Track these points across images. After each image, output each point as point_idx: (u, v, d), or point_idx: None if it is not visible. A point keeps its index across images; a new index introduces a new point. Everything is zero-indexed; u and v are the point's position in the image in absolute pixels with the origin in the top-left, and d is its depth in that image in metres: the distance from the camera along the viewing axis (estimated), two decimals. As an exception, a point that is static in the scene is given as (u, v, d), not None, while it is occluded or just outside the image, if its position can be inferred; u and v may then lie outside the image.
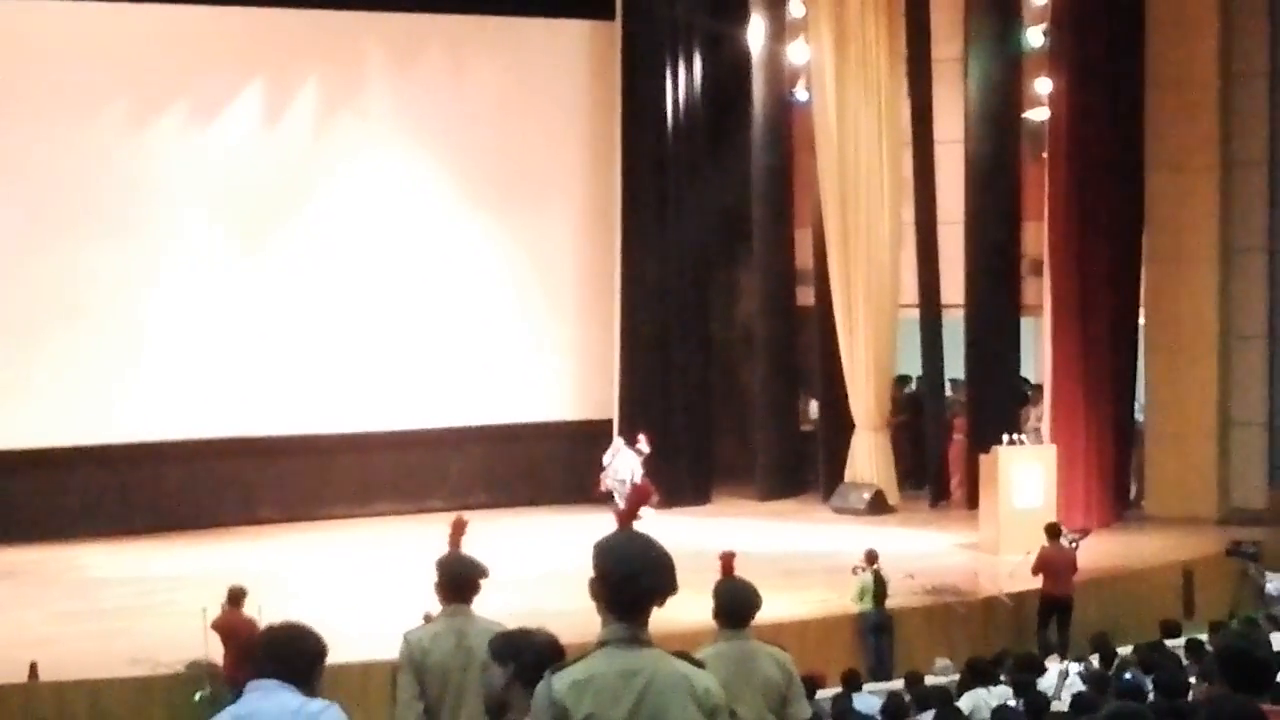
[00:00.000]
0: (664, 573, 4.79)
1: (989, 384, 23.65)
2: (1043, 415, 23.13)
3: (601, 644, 4.78)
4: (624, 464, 22.84)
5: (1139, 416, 23.83)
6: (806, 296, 25.51)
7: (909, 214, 24.18)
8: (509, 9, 24.71)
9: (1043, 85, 22.92)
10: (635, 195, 25.02)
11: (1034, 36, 23.03)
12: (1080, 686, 12.81)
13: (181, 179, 22.97)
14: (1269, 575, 19.32)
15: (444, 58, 24.65)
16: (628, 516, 21.96)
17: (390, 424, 24.14)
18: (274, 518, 23.58)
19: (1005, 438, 21.39)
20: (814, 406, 26.11)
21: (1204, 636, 14.75)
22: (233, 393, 23.27)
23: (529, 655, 5.58)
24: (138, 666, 16.05)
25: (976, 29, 23.53)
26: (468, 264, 24.65)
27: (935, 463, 24.70)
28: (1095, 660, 14.63)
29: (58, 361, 22.36)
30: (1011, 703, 12.06)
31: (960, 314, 23.90)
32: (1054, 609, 18.37)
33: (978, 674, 13.72)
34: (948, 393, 25.00)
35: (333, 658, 5.60)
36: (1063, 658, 15.83)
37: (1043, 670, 14.07)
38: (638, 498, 22.65)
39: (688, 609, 6.69)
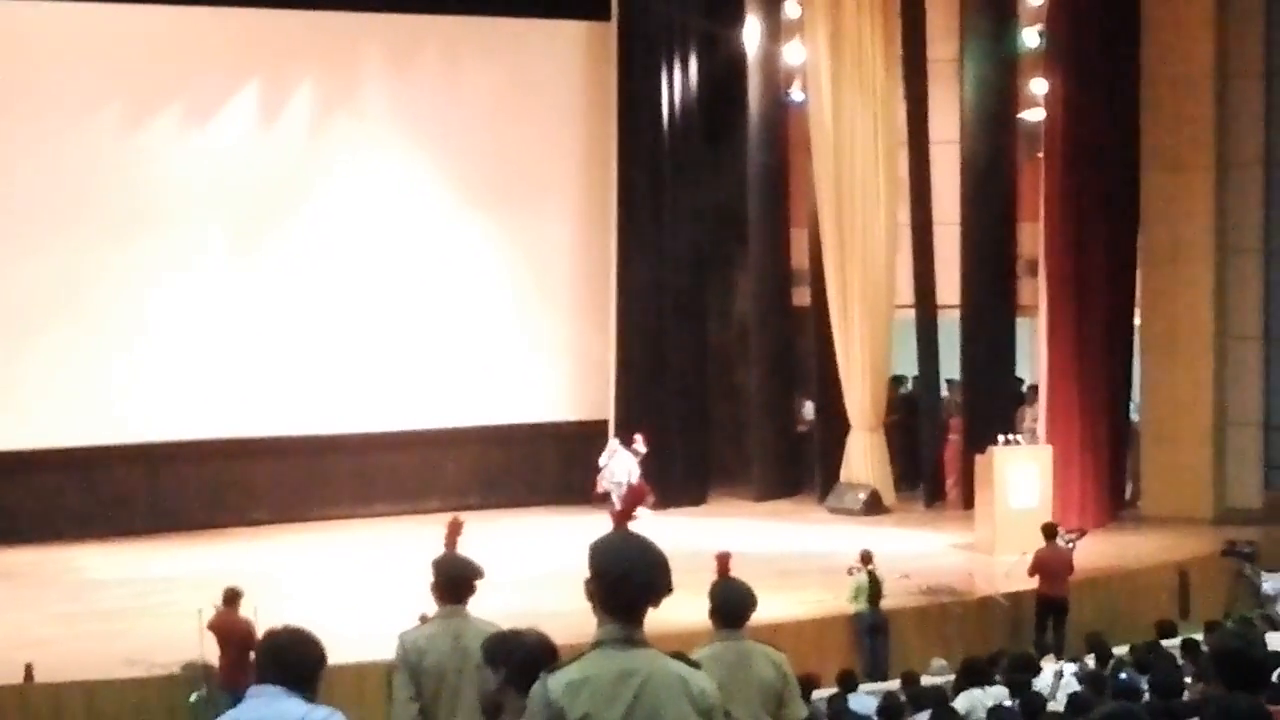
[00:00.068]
0: (659, 573, 4.79)
1: (984, 384, 23.65)
2: (1038, 415, 23.14)
3: (597, 644, 4.78)
4: (620, 465, 22.86)
5: (1134, 417, 23.84)
6: (802, 297, 25.52)
7: (904, 214, 24.19)
8: (505, 10, 24.70)
9: (1038, 86, 22.94)
10: (631, 195, 25.02)
11: (1029, 37, 23.04)
12: (1075, 687, 12.81)
13: (178, 180, 22.96)
14: (1265, 575, 19.33)
15: (440, 59, 24.65)
16: (623, 517, 21.98)
17: (386, 425, 24.13)
18: (270, 519, 23.57)
19: (1001, 438, 21.40)
20: (808, 408, 26.13)
21: (1199, 636, 14.77)
22: (229, 394, 23.27)
23: (519, 657, 5.58)
24: (134, 668, 16.05)
25: (972, 29, 23.54)
26: (464, 264, 24.65)
27: (931, 463, 24.71)
28: (1090, 660, 14.64)
29: (53, 363, 22.35)
30: (1007, 703, 12.07)
31: (956, 314, 23.90)
32: (1049, 609, 18.37)
33: (973, 674, 13.72)
34: (943, 393, 25.01)
35: (328, 659, 5.58)
36: (1058, 658, 15.84)
37: (1038, 670, 14.08)
38: (633, 498, 22.67)
39: (683, 609, 6.69)
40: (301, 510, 23.74)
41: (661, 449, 23.90)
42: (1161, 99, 22.92)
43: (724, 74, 25.44)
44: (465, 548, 9.45)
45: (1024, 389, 24.49)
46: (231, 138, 23.37)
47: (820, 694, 14.14)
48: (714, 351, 26.33)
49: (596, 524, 18.63)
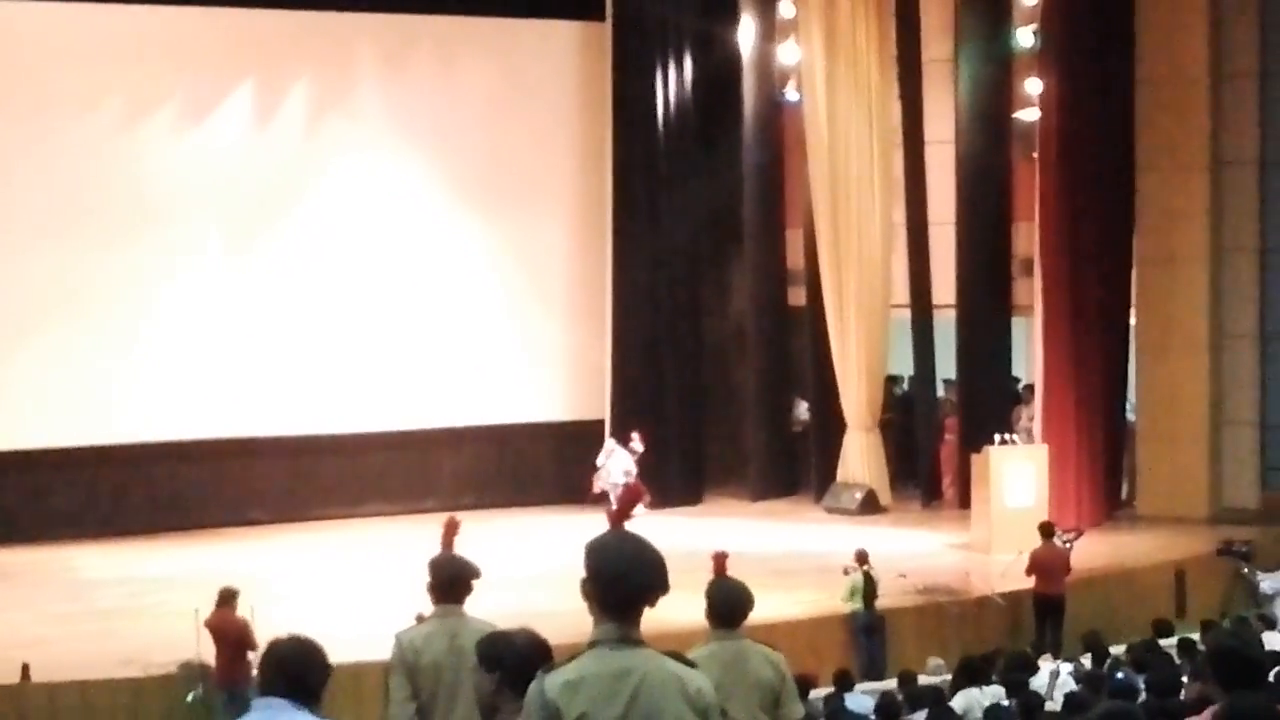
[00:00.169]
0: (656, 573, 4.79)
1: (980, 384, 23.66)
2: (1034, 415, 23.15)
3: (593, 644, 4.78)
4: (617, 465, 22.87)
5: (1130, 416, 23.86)
6: (798, 297, 25.53)
7: (900, 214, 24.18)
8: (499, 10, 24.70)
9: (1033, 85, 22.93)
10: (626, 195, 25.03)
11: (1024, 37, 23.04)
12: (1072, 686, 12.82)
13: (172, 181, 22.95)
14: (1261, 575, 19.34)
15: (435, 58, 24.65)
16: (620, 517, 21.98)
17: (382, 425, 24.13)
18: (267, 518, 23.56)
19: (997, 437, 21.42)
20: (802, 408, 26.13)
21: (1196, 636, 14.78)
22: (226, 394, 23.27)
23: (512, 659, 5.58)
24: (130, 667, 16.05)
25: (967, 29, 23.54)
26: (459, 264, 24.65)
27: (927, 463, 24.72)
28: (1087, 660, 14.65)
29: (49, 363, 22.34)
30: (1004, 702, 12.08)
31: (951, 314, 23.90)
32: (1046, 609, 18.38)
33: (970, 674, 13.73)
34: (939, 393, 25.02)
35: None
36: (1055, 657, 15.84)
37: (1035, 670, 14.09)
38: (629, 498, 22.66)
39: (680, 609, 6.70)
40: (298, 510, 23.74)
41: (657, 449, 23.89)
42: (1157, 99, 22.93)
43: (719, 74, 25.43)
44: (462, 547, 9.49)
45: (1020, 388, 24.49)
46: (226, 138, 23.36)
47: (817, 693, 14.15)
48: (710, 351, 26.32)
49: (593, 524, 18.66)
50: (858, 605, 17.83)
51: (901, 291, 24.29)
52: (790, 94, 25.16)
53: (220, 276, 23.33)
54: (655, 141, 25.03)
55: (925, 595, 18.92)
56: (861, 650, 17.67)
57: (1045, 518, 19.73)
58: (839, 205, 24.08)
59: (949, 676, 14.57)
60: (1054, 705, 12.13)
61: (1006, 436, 21.70)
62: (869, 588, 17.86)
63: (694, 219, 25.38)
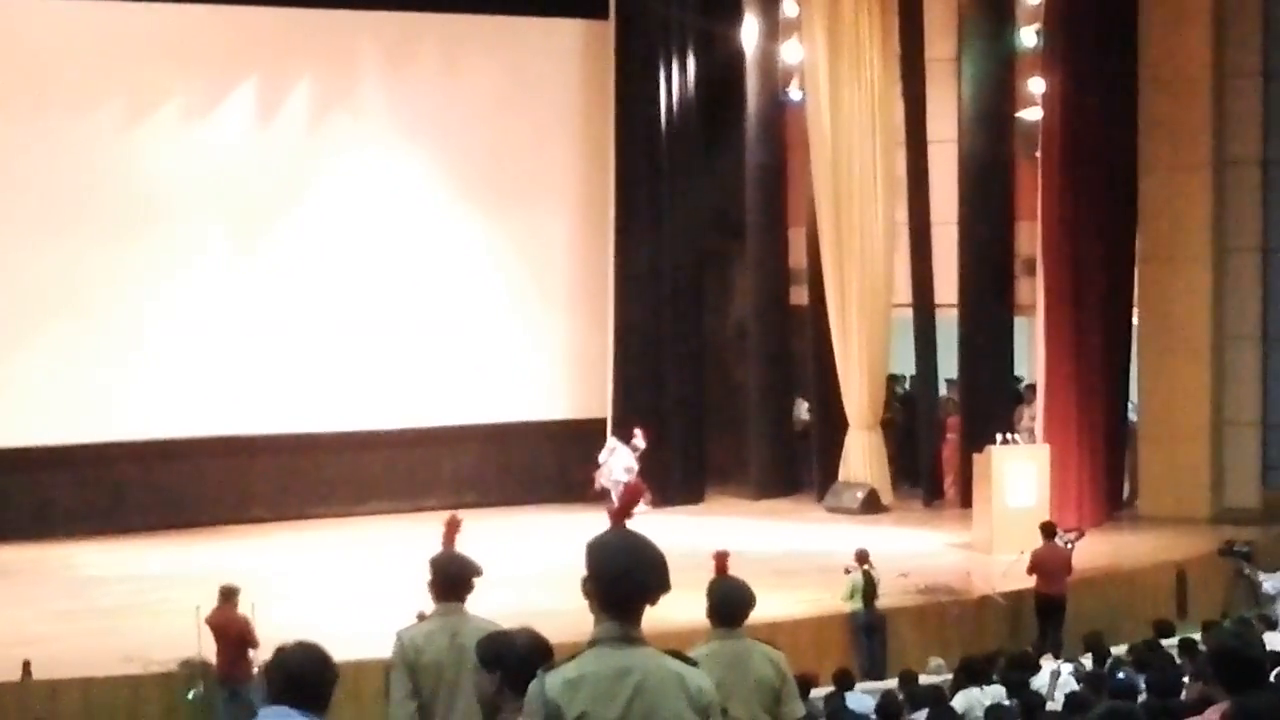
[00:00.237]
0: (657, 571, 4.79)
1: (982, 383, 23.66)
2: (1036, 415, 23.14)
3: (594, 643, 4.78)
4: (619, 462, 22.89)
5: (1132, 416, 23.85)
6: (800, 296, 25.53)
7: (902, 213, 24.19)
8: (503, 8, 24.70)
9: (1036, 85, 22.93)
10: (629, 194, 25.03)
11: (1028, 36, 23.05)
12: (1073, 686, 12.81)
13: (175, 178, 22.96)
14: (1262, 575, 19.33)
15: (438, 56, 24.65)
16: (621, 515, 21.97)
17: (384, 423, 24.14)
18: (269, 516, 23.57)
19: (999, 437, 21.41)
20: (802, 407, 26.13)
21: (1197, 636, 14.77)
22: (227, 391, 23.27)
23: (513, 659, 5.57)
24: (131, 665, 16.03)
25: (970, 29, 23.55)
26: (462, 262, 24.65)
27: (929, 462, 24.72)
28: (1088, 660, 14.64)
29: (50, 360, 22.35)
30: (1005, 702, 12.07)
31: (954, 313, 23.91)
32: (1047, 608, 18.37)
33: (971, 674, 13.72)
34: (941, 392, 25.01)
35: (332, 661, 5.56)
36: (1056, 657, 15.84)
37: (1036, 669, 14.08)
38: (631, 496, 22.67)
39: (681, 608, 6.69)
40: (300, 508, 23.75)
41: (659, 447, 23.91)
42: (1159, 98, 22.93)
43: (722, 73, 25.43)
44: (463, 545, 9.48)
45: (1022, 388, 24.49)
46: (229, 135, 23.37)
47: (818, 693, 14.14)
48: (712, 350, 26.33)
49: (594, 522, 18.65)
50: (858, 605, 17.82)
51: (904, 290, 24.29)
52: (793, 93, 25.17)
53: (222, 274, 23.34)
54: (658, 140, 25.03)
55: (926, 595, 18.91)
56: (862, 650, 17.66)
57: (1047, 517, 19.72)
58: (841, 204, 24.08)
59: (950, 676, 14.57)
60: (1055, 705, 12.12)
61: (1008, 436, 21.70)
62: (869, 587, 17.84)
63: (696, 218, 25.37)
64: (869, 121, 24.00)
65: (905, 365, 25.55)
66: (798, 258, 25.55)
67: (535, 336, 25.09)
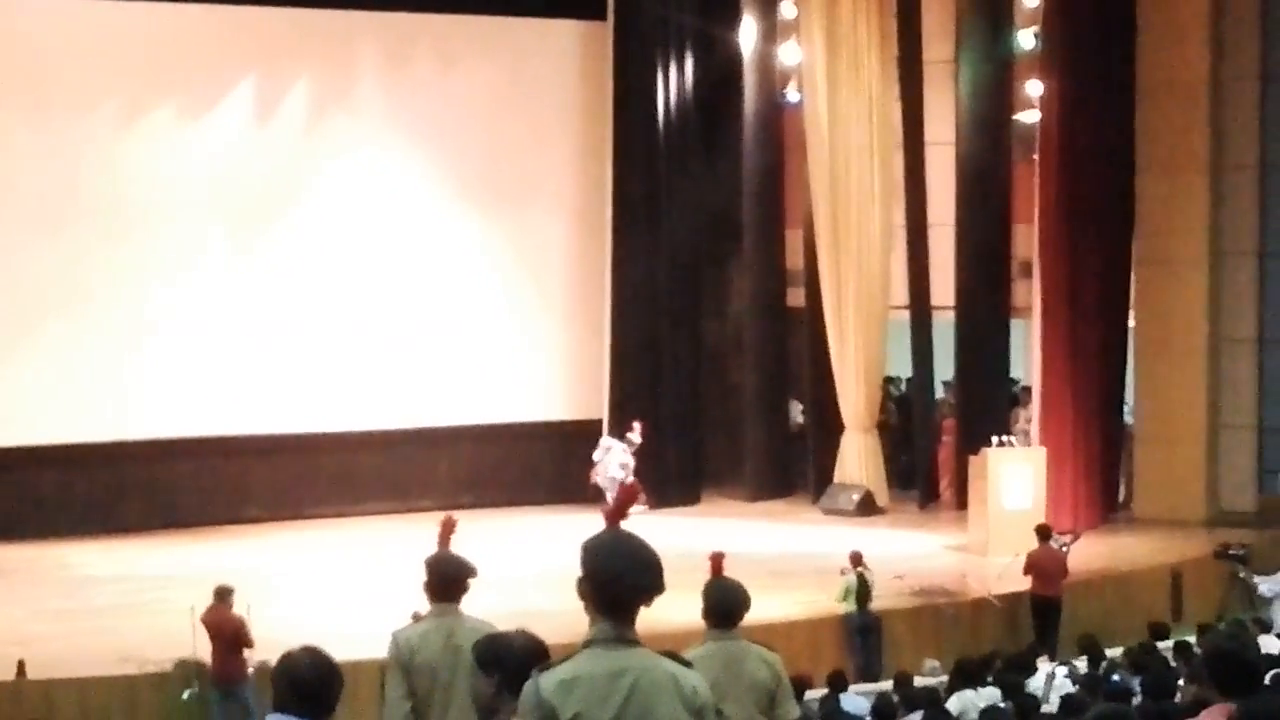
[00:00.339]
0: (652, 572, 4.79)
1: (978, 386, 23.66)
2: (1032, 417, 23.15)
3: (588, 643, 4.78)
4: (614, 461, 22.88)
5: (1128, 419, 23.86)
6: (797, 297, 25.52)
7: (899, 215, 24.18)
8: (500, 8, 24.68)
9: (1034, 88, 22.93)
10: (626, 195, 25.01)
11: (1025, 39, 23.04)
12: (1068, 688, 12.82)
13: (172, 178, 22.93)
14: (1258, 578, 19.35)
15: (435, 57, 24.63)
16: (616, 516, 21.97)
17: (379, 423, 24.12)
18: (263, 516, 23.54)
19: (994, 439, 21.42)
20: (796, 409, 26.13)
21: (1192, 638, 14.78)
22: (223, 391, 23.25)
23: (510, 661, 5.57)
24: (126, 665, 16.02)
25: (968, 31, 23.55)
26: (458, 263, 24.64)
27: (925, 464, 24.72)
28: (1083, 662, 14.65)
29: (46, 360, 22.31)
30: (1000, 704, 12.07)
31: (950, 315, 23.91)
32: (1043, 610, 18.38)
33: (966, 675, 13.73)
34: (938, 394, 25.01)
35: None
36: (1051, 659, 15.84)
37: (1033, 671, 14.09)
38: (626, 497, 22.68)
39: (676, 609, 6.70)
40: (295, 508, 23.72)
41: (655, 448, 23.90)
42: (1157, 102, 22.94)
43: (719, 74, 25.43)
44: (458, 546, 9.47)
45: (1018, 390, 24.50)
46: (226, 136, 23.34)
47: (813, 694, 14.15)
48: (708, 351, 26.33)
49: (589, 523, 18.62)
50: (852, 607, 17.83)
51: (900, 293, 24.29)
52: (791, 95, 25.15)
53: (218, 274, 23.31)
54: (656, 141, 25.01)
55: (922, 597, 18.92)
56: (856, 651, 17.66)
57: (1042, 520, 19.74)
58: (839, 206, 24.08)
59: (945, 678, 14.57)
60: (1050, 708, 12.13)
61: (1004, 438, 21.70)
62: (863, 589, 17.84)
63: (694, 219, 25.36)
64: (866, 123, 24.00)
65: (901, 367, 25.55)
66: (794, 259, 25.55)
67: (532, 337, 25.07)
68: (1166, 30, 22.81)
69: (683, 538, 18.92)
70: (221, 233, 23.37)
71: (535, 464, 25.17)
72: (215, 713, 15.34)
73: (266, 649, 14.27)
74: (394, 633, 7.82)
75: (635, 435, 23.04)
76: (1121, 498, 23.79)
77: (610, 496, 22.76)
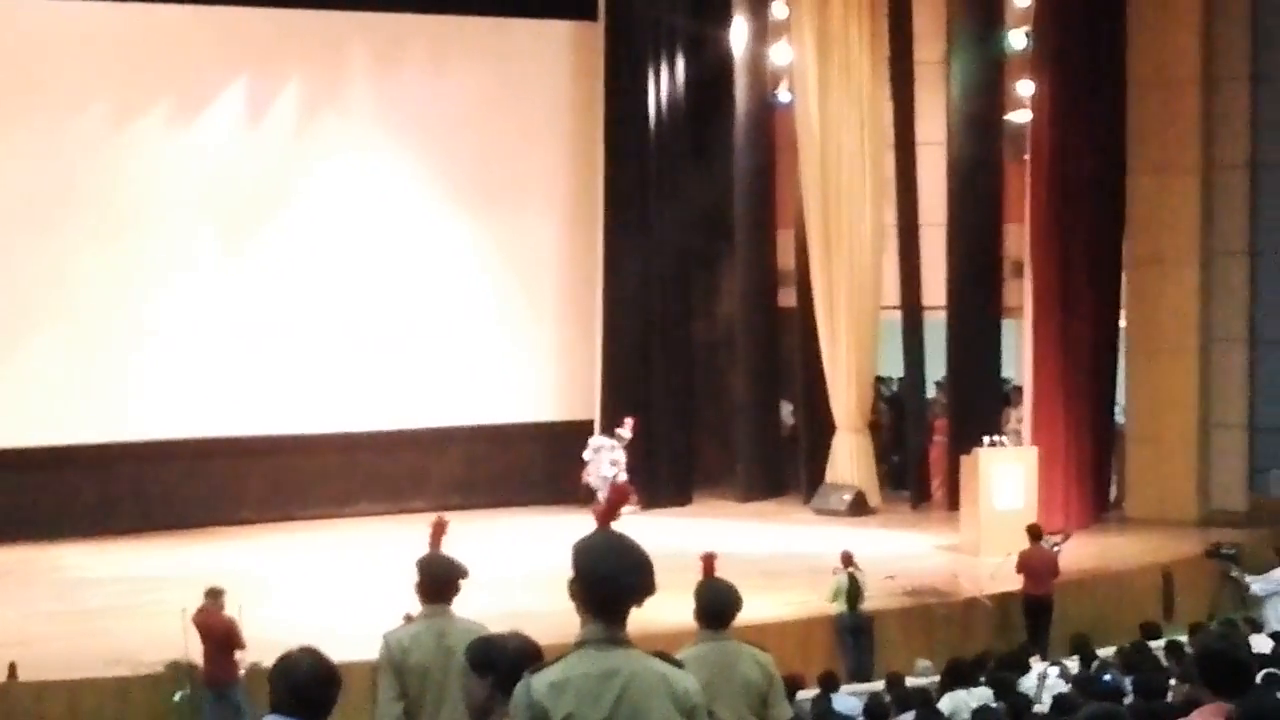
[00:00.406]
0: (643, 573, 4.79)
1: (970, 386, 23.68)
2: (1023, 417, 23.19)
3: (580, 644, 4.78)
4: (605, 460, 22.89)
5: (1119, 418, 23.88)
6: (788, 298, 25.51)
7: (891, 216, 24.21)
8: (491, 9, 24.68)
9: (1025, 88, 22.97)
10: (617, 196, 25.01)
11: (1016, 39, 23.08)
12: (1060, 688, 12.83)
13: (164, 179, 22.92)
14: (1249, 577, 19.36)
15: (426, 58, 24.62)
16: (607, 516, 21.95)
17: (371, 424, 24.10)
18: (257, 518, 23.52)
19: (986, 439, 21.43)
20: (786, 410, 26.13)
21: (1184, 638, 14.79)
22: (215, 393, 23.22)
23: (504, 664, 5.57)
24: (118, 667, 15.98)
25: (959, 31, 23.56)
26: (450, 264, 24.63)
27: (916, 464, 24.74)
28: (1075, 662, 14.66)
29: (39, 361, 22.28)
30: (992, 704, 12.07)
31: (942, 315, 23.94)
32: (1034, 610, 18.40)
33: (958, 676, 13.73)
34: (929, 394, 25.02)
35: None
36: (1042, 659, 15.85)
37: (1026, 670, 14.10)
38: (617, 498, 22.66)
39: (668, 610, 6.69)
40: (288, 509, 23.71)
41: (647, 449, 23.91)
42: (1148, 101, 22.96)
43: (711, 75, 25.42)
44: (450, 547, 9.46)
45: (1009, 390, 24.52)
46: (217, 137, 23.31)
47: (805, 695, 14.15)
48: (700, 352, 26.32)
49: (581, 524, 18.61)
50: (842, 607, 17.81)
51: (892, 293, 24.31)
52: (782, 95, 25.15)
53: (210, 276, 23.28)
54: (647, 142, 25.01)
55: (913, 597, 18.92)
56: (848, 652, 17.65)
57: (1034, 519, 19.75)
58: (830, 206, 24.08)
59: (937, 678, 14.58)
60: (1042, 707, 12.13)
61: (995, 438, 21.71)
62: (854, 589, 17.83)
63: (685, 220, 25.36)
64: (858, 123, 24.00)
65: (893, 367, 25.56)
66: (786, 259, 25.55)
67: (523, 338, 25.07)
68: (1157, 29, 22.83)
69: (674, 538, 18.87)
70: (212, 234, 23.35)
71: (527, 465, 25.16)
72: (207, 714, 15.31)
73: (258, 650, 14.27)
74: (385, 634, 7.82)
75: (625, 431, 23.04)
76: (1113, 497, 23.82)
77: (602, 496, 22.76)
